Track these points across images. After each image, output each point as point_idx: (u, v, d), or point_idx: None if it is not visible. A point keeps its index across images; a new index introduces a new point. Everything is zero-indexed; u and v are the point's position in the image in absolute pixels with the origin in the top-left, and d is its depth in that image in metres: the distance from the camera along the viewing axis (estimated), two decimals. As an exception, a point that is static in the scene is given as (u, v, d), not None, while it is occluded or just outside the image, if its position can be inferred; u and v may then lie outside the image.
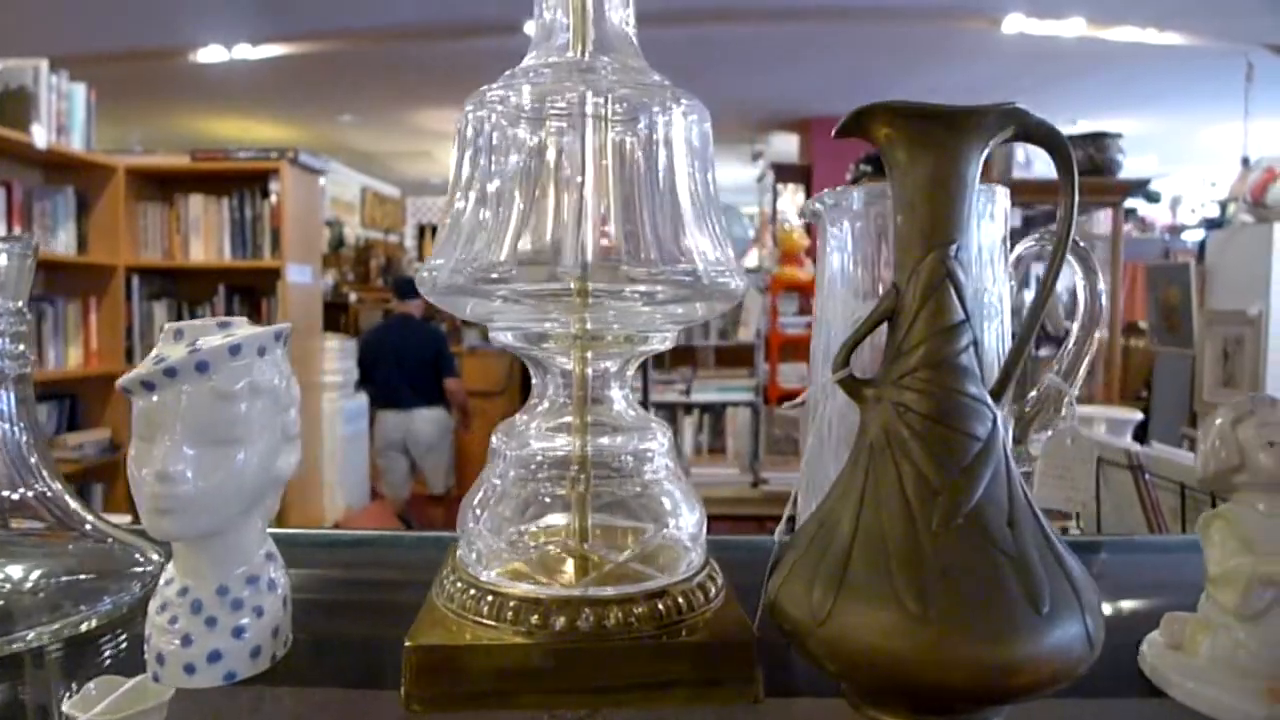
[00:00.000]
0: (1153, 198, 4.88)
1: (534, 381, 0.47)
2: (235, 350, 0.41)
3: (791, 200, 5.44)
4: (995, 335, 0.50)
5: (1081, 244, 0.52)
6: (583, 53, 0.45)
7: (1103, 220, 3.25)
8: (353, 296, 5.58)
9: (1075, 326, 0.53)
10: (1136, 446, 1.81)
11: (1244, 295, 2.86)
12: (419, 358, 3.32)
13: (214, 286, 2.86)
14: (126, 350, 2.80)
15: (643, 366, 3.27)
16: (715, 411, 3.74)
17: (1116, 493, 1.82)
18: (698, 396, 3.74)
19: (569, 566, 0.44)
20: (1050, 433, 0.52)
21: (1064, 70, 4.57)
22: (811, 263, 3.87)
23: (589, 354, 0.46)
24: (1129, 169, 2.37)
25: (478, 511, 0.45)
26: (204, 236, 2.84)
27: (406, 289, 3.43)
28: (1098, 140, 2.29)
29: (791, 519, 0.44)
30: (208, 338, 0.42)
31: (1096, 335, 0.52)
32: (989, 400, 0.38)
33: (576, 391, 0.46)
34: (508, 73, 0.45)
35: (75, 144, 2.62)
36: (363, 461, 3.53)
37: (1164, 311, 3.52)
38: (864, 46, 4.43)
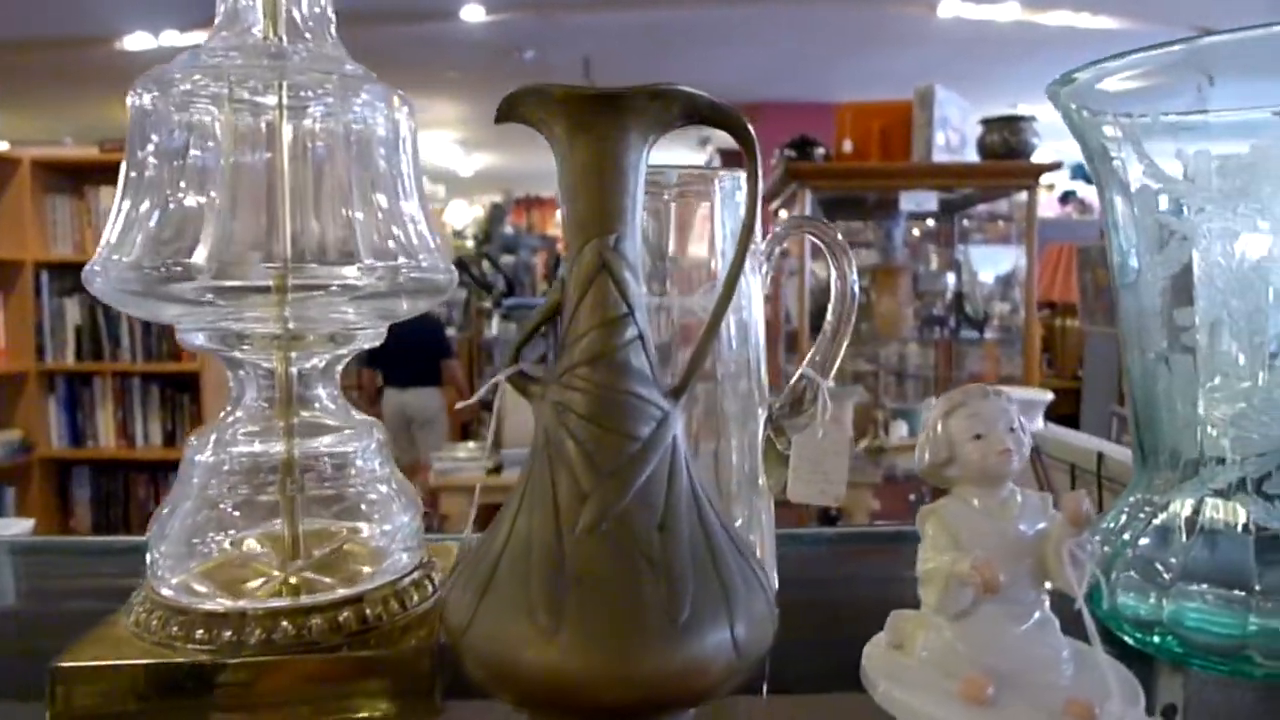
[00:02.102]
0: (1091, 179, 4.93)
1: (230, 383, 0.45)
2: None
3: (738, 186, 5.43)
4: (733, 325, 0.48)
5: (831, 228, 0.51)
6: (268, 36, 0.42)
7: (1043, 201, 3.26)
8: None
9: (828, 316, 0.51)
10: (1038, 427, 1.82)
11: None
12: (420, 342, 3.69)
13: (130, 281, 2.78)
14: (37, 348, 2.72)
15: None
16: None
17: (1017, 476, 1.83)
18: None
19: (253, 578, 0.42)
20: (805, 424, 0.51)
21: (1003, 54, 4.59)
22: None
23: (292, 353, 0.44)
24: (1068, 153, 2.37)
25: (165, 522, 0.42)
26: (116, 229, 2.76)
27: None
28: (1012, 123, 2.30)
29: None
30: None
31: (850, 324, 0.51)
32: (658, 398, 0.36)
33: (280, 394, 0.44)
34: (185, 54, 0.42)
35: (-25, 136, 2.54)
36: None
37: (1094, 292, 3.56)
38: (806, 31, 4.42)
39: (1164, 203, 0.43)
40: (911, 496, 2.85)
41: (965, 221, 3.04)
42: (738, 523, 0.49)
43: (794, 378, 0.51)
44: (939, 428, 0.41)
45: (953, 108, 2.57)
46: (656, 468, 0.35)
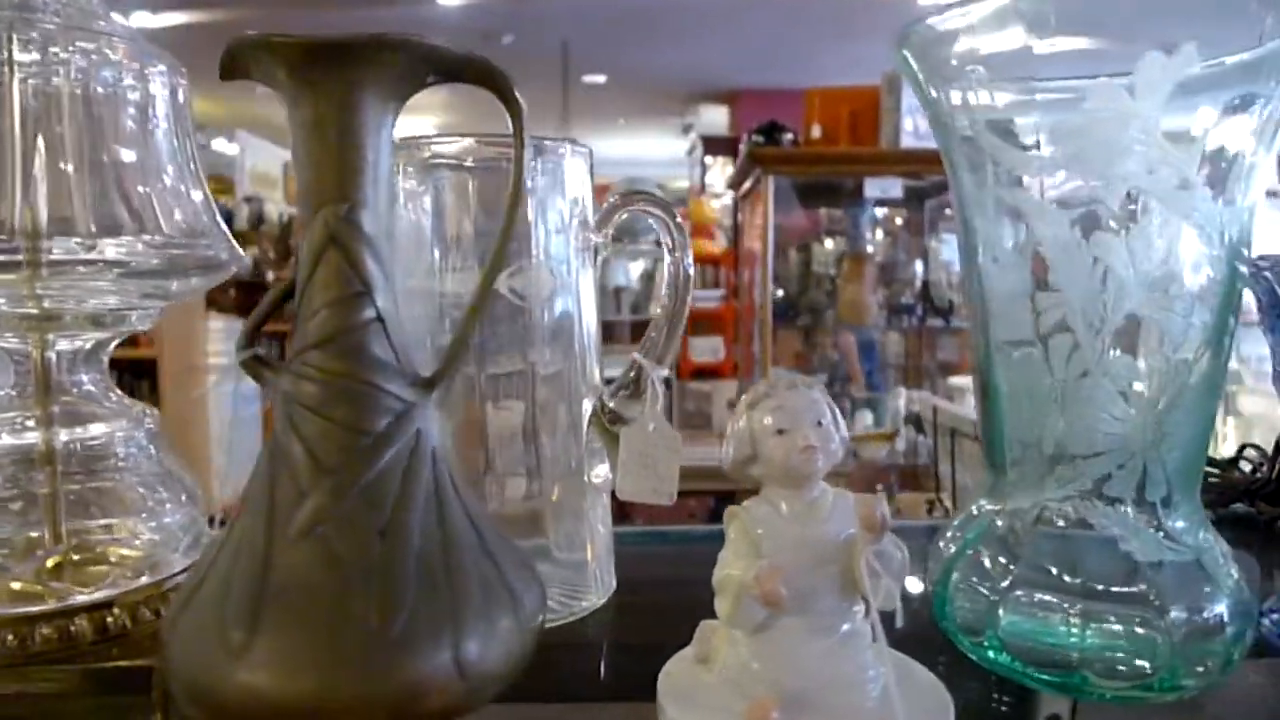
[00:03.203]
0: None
1: (-24, 369, 0.41)
2: None
3: (721, 173, 5.38)
4: (554, 311, 0.44)
5: (665, 202, 0.47)
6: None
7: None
8: (270, 275, 5.38)
9: (661, 298, 0.47)
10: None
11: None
12: None
13: (87, 265, 2.74)
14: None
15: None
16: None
17: (970, 465, 1.80)
18: (610, 372, 3.69)
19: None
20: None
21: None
22: (723, 235, 3.83)
23: (50, 336, 0.40)
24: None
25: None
26: (71, 213, 2.71)
27: None
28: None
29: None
30: None
31: (686, 308, 0.47)
32: (400, 388, 0.32)
33: (36, 380, 0.40)
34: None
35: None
36: (256, 447, 3.41)
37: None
38: (787, 18, 4.36)
39: (1004, 176, 0.39)
40: (879, 486, 2.83)
41: (947, 210, 3.00)
42: (558, 522, 0.46)
43: (629, 365, 0.48)
44: (741, 422, 0.37)
45: (923, 94, 2.52)
46: (389, 466, 0.31)
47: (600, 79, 5.21)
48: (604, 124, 5.93)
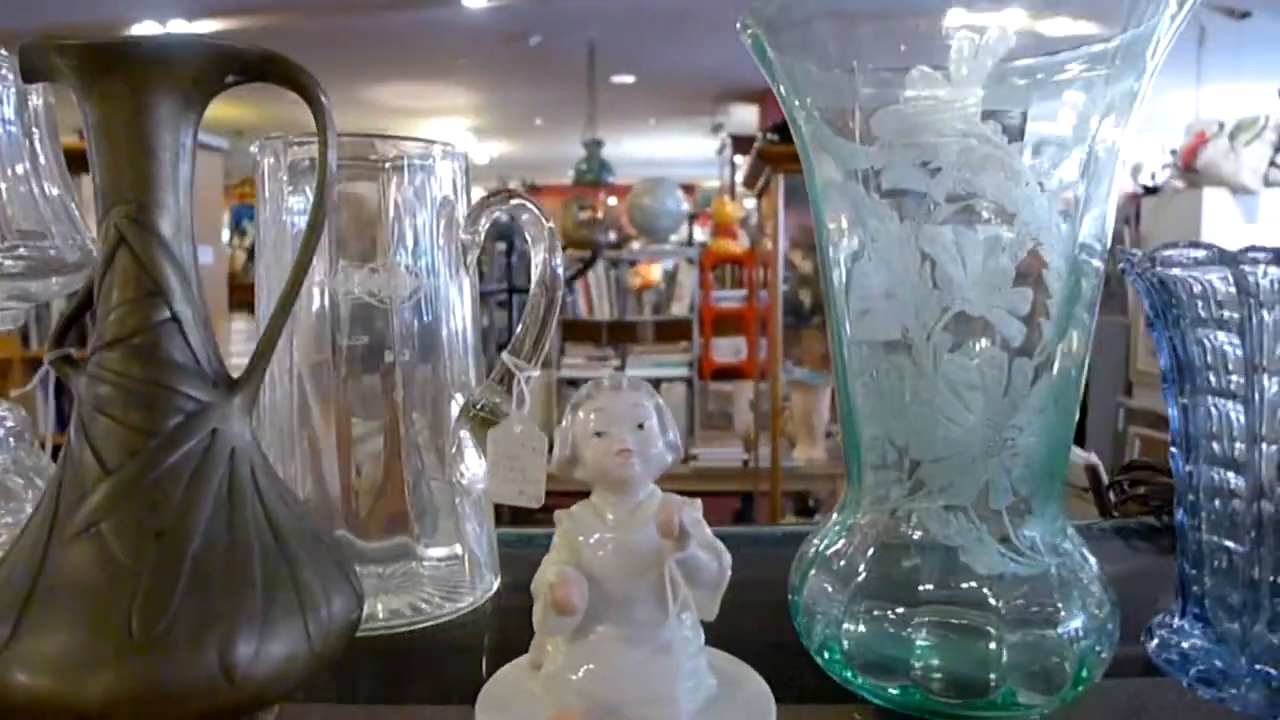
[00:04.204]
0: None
1: None
2: None
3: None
4: (414, 311, 0.44)
5: (534, 202, 0.46)
6: None
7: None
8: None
9: (530, 299, 0.47)
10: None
11: (1173, 264, 2.77)
12: None
13: (115, 266, 2.80)
14: (22, 335, 2.75)
15: (561, 341, 3.22)
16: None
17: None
18: (633, 373, 3.69)
19: None
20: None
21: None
22: (746, 235, 3.80)
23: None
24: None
25: None
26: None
27: None
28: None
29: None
30: None
31: (556, 308, 0.46)
32: (196, 389, 0.32)
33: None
34: None
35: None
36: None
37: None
38: (817, 14, 4.31)
39: (839, 170, 0.38)
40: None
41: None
42: (427, 522, 0.45)
43: (497, 365, 0.47)
44: (564, 423, 0.37)
45: (942, 90, 2.47)
46: (175, 467, 0.31)
47: (629, 79, 5.20)
48: (634, 124, 5.91)
